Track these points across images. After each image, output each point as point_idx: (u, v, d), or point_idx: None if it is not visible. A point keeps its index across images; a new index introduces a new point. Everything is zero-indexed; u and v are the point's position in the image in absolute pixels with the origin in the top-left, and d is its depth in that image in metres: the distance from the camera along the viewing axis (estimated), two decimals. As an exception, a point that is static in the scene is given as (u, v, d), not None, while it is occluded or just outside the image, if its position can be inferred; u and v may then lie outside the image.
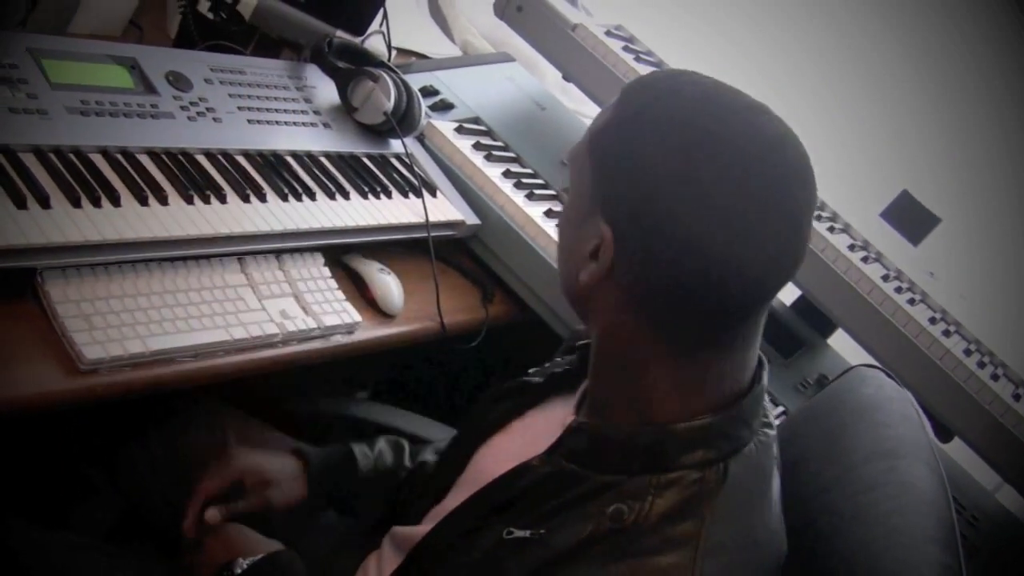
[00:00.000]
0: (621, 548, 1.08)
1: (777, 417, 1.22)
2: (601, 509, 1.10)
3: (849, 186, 2.42)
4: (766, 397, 1.17)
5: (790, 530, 1.20)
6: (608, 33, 2.21)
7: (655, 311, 1.09)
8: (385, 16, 2.29)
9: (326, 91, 1.95)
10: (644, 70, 2.15)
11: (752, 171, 1.04)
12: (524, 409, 1.35)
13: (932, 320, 2.00)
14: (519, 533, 1.14)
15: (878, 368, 1.54)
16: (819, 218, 2.09)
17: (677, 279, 1.06)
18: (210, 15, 1.94)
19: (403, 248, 1.88)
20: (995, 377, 1.98)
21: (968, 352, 1.99)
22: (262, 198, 1.62)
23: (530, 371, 1.40)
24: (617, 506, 1.10)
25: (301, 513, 1.54)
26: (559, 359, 1.40)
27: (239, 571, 1.38)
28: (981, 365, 1.97)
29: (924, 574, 1.18)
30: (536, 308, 1.97)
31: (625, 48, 2.19)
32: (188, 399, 1.68)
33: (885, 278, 2.02)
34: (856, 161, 2.58)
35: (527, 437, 1.26)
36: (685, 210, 1.04)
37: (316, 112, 1.89)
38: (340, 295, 1.69)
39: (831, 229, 2.09)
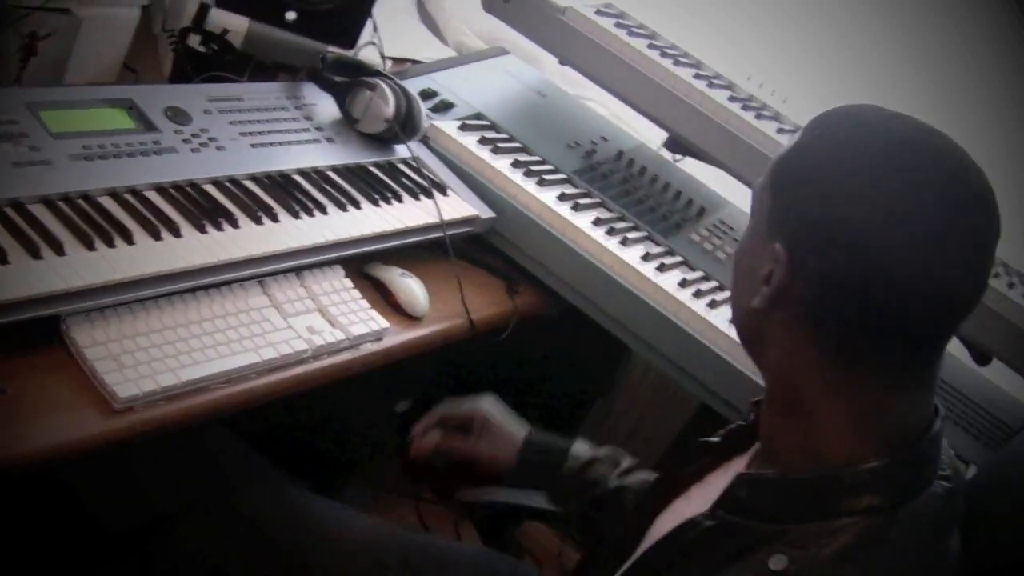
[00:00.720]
0: None
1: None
2: (763, 560, 1.06)
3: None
4: (945, 445, 1.12)
5: None
6: (598, 12, 2.21)
7: (829, 338, 1.05)
8: (375, 27, 2.30)
9: (326, 107, 1.96)
10: (639, 44, 2.15)
11: (939, 191, 1.01)
12: (705, 473, 1.31)
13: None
14: None
15: None
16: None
17: (855, 301, 1.02)
18: (202, 48, 1.95)
19: (423, 251, 1.88)
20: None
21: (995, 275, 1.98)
22: (274, 218, 1.63)
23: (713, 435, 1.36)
24: (779, 556, 1.05)
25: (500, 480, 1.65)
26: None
27: None
28: (1010, 286, 1.96)
29: None
30: (563, 293, 1.97)
31: (617, 25, 2.18)
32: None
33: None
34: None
35: (703, 498, 1.21)
36: (868, 227, 1.00)
37: (318, 128, 1.90)
38: (365, 304, 1.70)
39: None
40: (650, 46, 2.17)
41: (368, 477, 2.70)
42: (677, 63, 2.15)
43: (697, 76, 2.14)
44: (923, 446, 1.08)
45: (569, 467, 1.63)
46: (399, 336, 1.73)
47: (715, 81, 2.17)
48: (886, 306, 1.01)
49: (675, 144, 2.25)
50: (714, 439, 1.33)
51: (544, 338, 2.15)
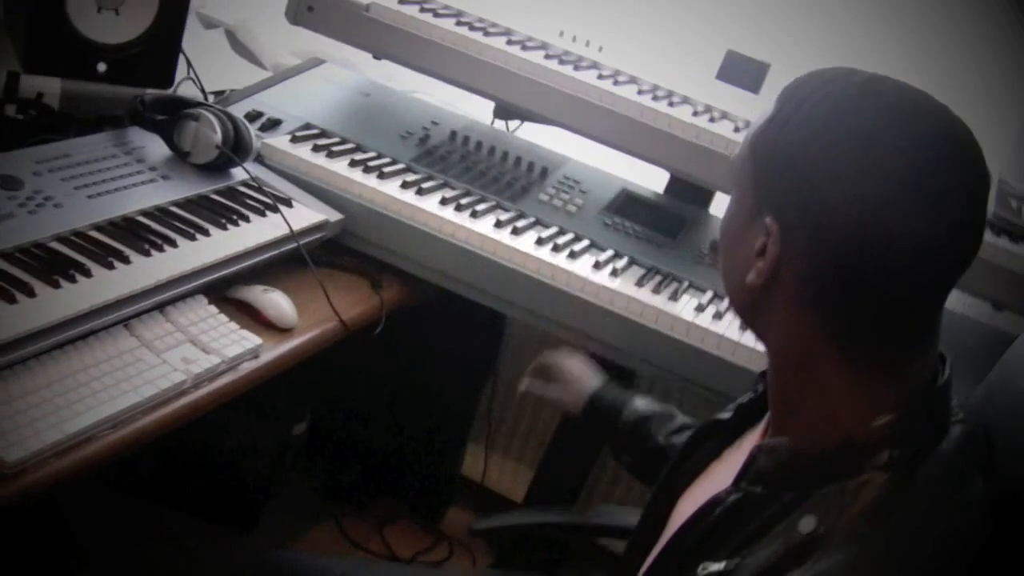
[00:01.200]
0: (814, 561, 1.02)
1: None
2: (792, 525, 1.06)
3: (681, 62, 2.49)
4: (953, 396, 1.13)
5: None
6: (401, 2, 2.25)
7: (830, 304, 1.05)
8: (189, 64, 2.32)
9: (155, 147, 1.97)
10: (446, 24, 2.20)
11: (928, 152, 1.01)
12: (721, 450, 1.32)
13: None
14: (714, 567, 1.11)
15: None
16: (655, 97, 2.15)
17: (851, 263, 1.02)
18: (20, 116, 1.95)
19: (282, 265, 1.90)
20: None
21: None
22: (126, 261, 1.64)
23: (723, 411, 1.37)
24: (807, 518, 1.05)
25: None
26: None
27: None
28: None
29: None
30: (427, 277, 2.01)
31: (422, 10, 2.23)
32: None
33: (736, 130, 2.09)
34: (681, 37, 2.64)
35: (723, 475, 1.22)
36: (860, 185, 1.00)
37: (152, 168, 1.91)
38: (234, 326, 1.71)
39: (671, 104, 2.15)
40: (458, 23, 2.22)
41: (282, 505, 2.72)
42: (487, 34, 2.21)
43: (509, 42, 2.20)
44: (934, 395, 1.09)
45: (624, 421, 1.75)
46: (275, 350, 1.75)
47: (527, 44, 2.23)
48: (880, 264, 1.01)
49: (503, 111, 2.30)
50: (725, 416, 1.35)
51: (426, 327, 2.19)
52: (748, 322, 1.17)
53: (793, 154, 1.05)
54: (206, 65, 2.45)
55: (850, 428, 1.07)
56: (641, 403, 1.77)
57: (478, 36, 2.18)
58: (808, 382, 1.10)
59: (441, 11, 2.26)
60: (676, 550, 1.21)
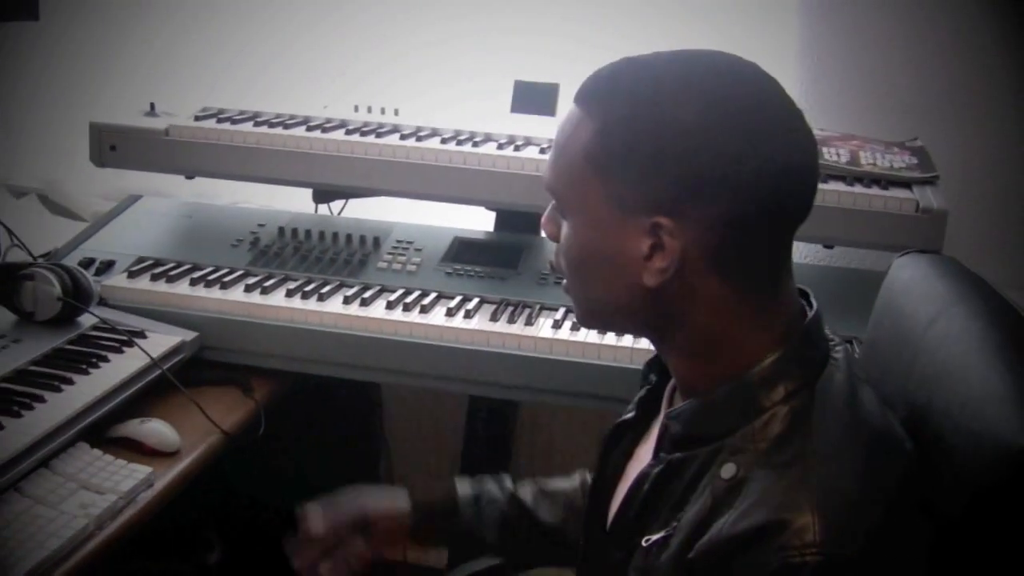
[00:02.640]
0: (740, 496, 1.07)
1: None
2: (714, 475, 1.11)
3: (475, 102, 2.59)
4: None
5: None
6: (197, 118, 2.31)
7: (727, 262, 1.11)
8: (10, 232, 2.34)
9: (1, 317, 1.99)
10: (246, 127, 2.28)
11: (761, 94, 1.11)
12: (633, 448, 1.36)
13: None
14: (655, 537, 1.16)
15: (910, 251, 1.56)
16: (459, 142, 2.26)
17: (736, 216, 1.08)
18: None
19: (151, 395, 1.93)
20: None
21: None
22: (-1, 427, 1.66)
23: (625, 412, 1.40)
24: (726, 465, 1.10)
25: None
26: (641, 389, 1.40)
27: None
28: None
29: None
30: (293, 368, 2.07)
31: (218, 120, 2.30)
32: None
33: (542, 151, 2.22)
34: (469, 81, 2.73)
35: (641, 466, 1.26)
36: (725, 145, 1.07)
37: (1, 336, 1.93)
38: (122, 462, 1.73)
39: (475, 144, 2.27)
40: (255, 124, 2.29)
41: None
42: (286, 126, 2.28)
43: (309, 128, 2.28)
44: (812, 325, 1.17)
45: (465, 514, 1.62)
46: (167, 474, 1.78)
47: (326, 126, 2.31)
48: (763, 211, 1.09)
49: (321, 195, 2.38)
50: (629, 416, 1.39)
51: (306, 417, 2.24)
52: (632, 322, 1.20)
53: (657, 146, 1.08)
54: (28, 232, 2.48)
55: (747, 372, 1.14)
56: (463, 486, 1.65)
57: (278, 131, 2.26)
58: (716, 342, 1.15)
59: (237, 117, 2.33)
60: (617, 533, 1.26)
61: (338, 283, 2.17)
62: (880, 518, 1.05)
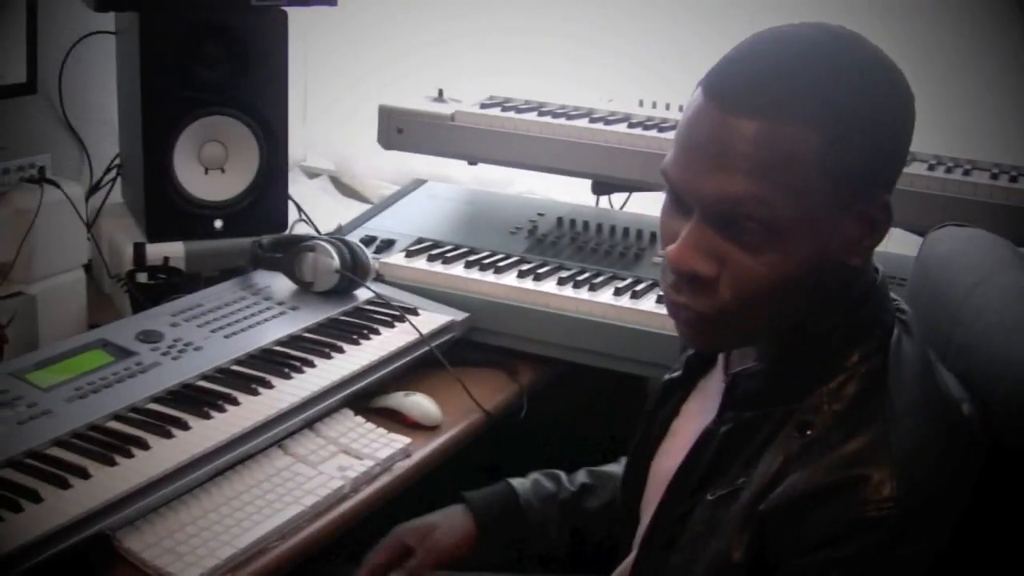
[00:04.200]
0: (815, 454, 1.10)
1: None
2: (788, 435, 1.13)
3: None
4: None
5: None
6: (483, 106, 2.34)
7: (873, 231, 1.14)
8: (299, 207, 2.43)
9: (279, 284, 2.06)
10: (530, 116, 2.28)
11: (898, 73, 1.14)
12: (677, 407, 1.37)
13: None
14: (722, 491, 1.18)
15: (945, 225, 1.58)
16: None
17: (891, 182, 1.15)
18: (151, 281, 2.07)
19: (418, 371, 1.96)
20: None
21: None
22: (269, 386, 1.71)
23: (672, 371, 1.42)
24: (801, 423, 1.13)
25: (480, 556, 1.61)
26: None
27: None
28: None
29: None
30: (558, 355, 2.05)
31: (503, 109, 2.31)
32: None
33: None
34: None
35: (693, 423, 1.29)
36: (909, 127, 1.14)
37: (280, 303, 2.00)
38: (382, 431, 1.77)
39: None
40: (540, 113, 2.29)
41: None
42: (570, 118, 2.28)
43: (592, 120, 2.27)
44: (882, 288, 1.19)
45: (525, 500, 1.62)
46: (425, 447, 1.80)
47: (609, 119, 2.29)
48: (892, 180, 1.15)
49: (600, 187, 2.36)
50: (676, 374, 1.39)
51: (566, 406, 2.22)
52: (785, 322, 1.17)
53: (878, 139, 1.10)
54: (318, 212, 2.57)
55: (824, 334, 1.15)
56: (517, 480, 1.65)
57: (561, 121, 2.26)
58: (812, 308, 1.15)
59: (522, 106, 2.34)
60: (679, 490, 1.25)
61: (611, 275, 2.13)
62: (953, 479, 1.10)
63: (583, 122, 2.26)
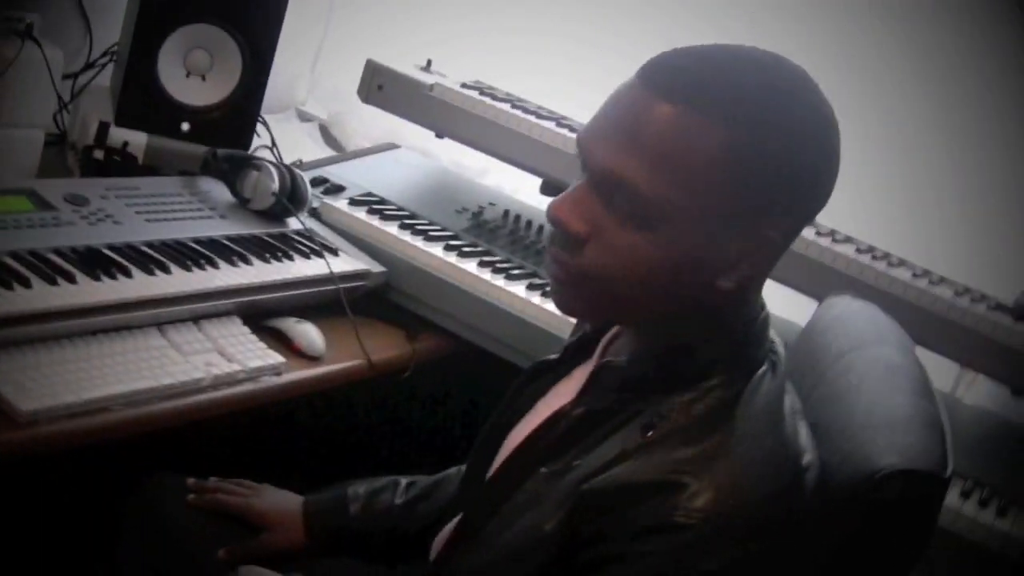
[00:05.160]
0: (648, 453, 1.14)
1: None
2: (630, 432, 1.17)
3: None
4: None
5: None
6: (464, 86, 2.43)
7: (771, 267, 1.20)
8: (271, 134, 2.52)
9: (219, 193, 2.15)
10: (503, 107, 2.37)
11: (827, 110, 1.15)
12: (548, 388, 1.40)
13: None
14: (555, 467, 1.22)
15: (844, 294, 1.68)
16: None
17: (798, 225, 1.18)
18: (104, 159, 2.16)
19: (321, 310, 2.03)
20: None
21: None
22: (166, 271, 1.80)
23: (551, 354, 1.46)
24: (643, 426, 1.16)
25: (308, 557, 1.67)
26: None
27: None
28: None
29: (901, 415, 1.30)
30: (460, 332, 2.12)
31: (481, 94, 2.40)
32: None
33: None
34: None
35: (554, 404, 1.31)
36: (831, 167, 1.15)
37: (212, 209, 2.09)
38: (262, 345, 1.84)
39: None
40: (513, 106, 2.38)
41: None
42: (540, 117, 2.36)
43: (559, 125, 2.35)
44: (761, 325, 1.23)
45: (354, 511, 1.67)
46: (299, 373, 1.87)
47: (575, 127, 2.38)
48: (807, 218, 1.19)
49: (549, 188, 2.43)
50: (553, 357, 1.44)
51: (455, 382, 2.29)
52: (647, 312, 1.20)
53: (783, 159, 1.11)
54: (295, 152, 2.65)
55: (694, 349, 1.19)
56: (358, 486, 1.70)
57: (532, 118, 2.34)
58: (694, 324, 1.20)
59: (499, 96, 2.43)
60: (519, 461, 1.30)
61: (532, 272, 2.21)
62: (768, 516, 1.12)
63: (547, 123, 2.34)
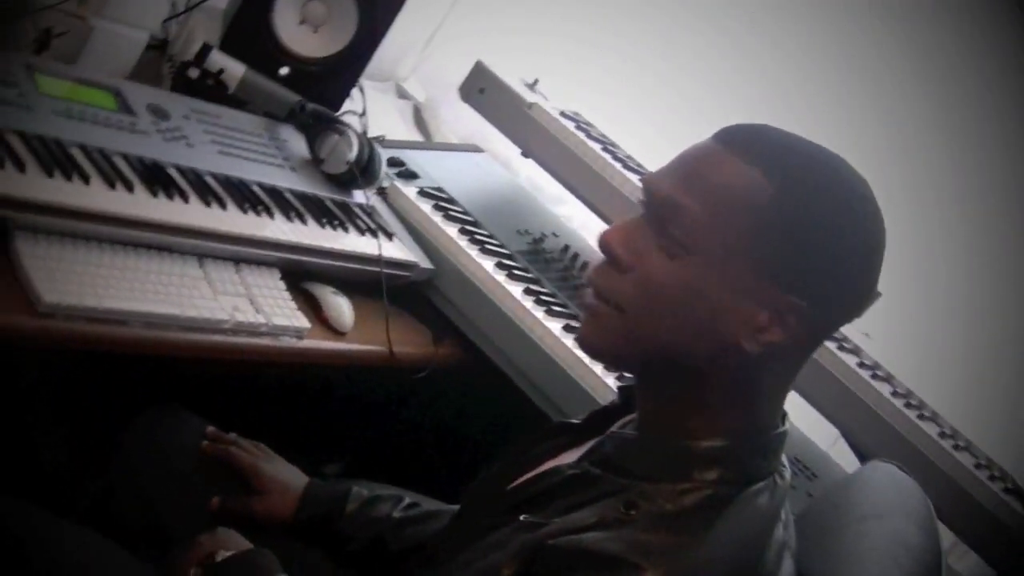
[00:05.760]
0: (619, 530, 1.14)
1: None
2: (613, 504, 1.16)
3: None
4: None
5: None
6: (562, 114, 2.42)
7: (802, 358, 1.21)
8: (364, 106, 2.52)
9: (297, 146, 2.15)
10: (595, 146, 2.35)
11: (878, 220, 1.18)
12: (560, 452, 1.39)
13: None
14: (534, 518, 1.21)
15: (890, 462, 1.69)
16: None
17: (838, 325, 1.22)
18: (196, 79, 2.16)
19: (360, 288, 2.03)
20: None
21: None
22: (223, 206, 1.80)
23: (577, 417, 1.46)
24: (628, 502, 1.16)
25: (281, 533, 1.66)
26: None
27: (218, 559, 1.47)
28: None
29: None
30: (486, 349, 2.11)
31: (577, 127, 2.39)
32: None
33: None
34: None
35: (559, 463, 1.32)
36: (872, 268, 1.17)
37: (286, 159, 2.09)
38: (292, 304, 1.84)
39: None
40: (604, 149, 2.37)
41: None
42: (627, 167, 2.35)
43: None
44: (771, 438, 1.21)
45: (351, 508, 1.67)
46: (319, 342, 1.87)
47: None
48: (837, 324, 1.22)
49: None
50: (575, 420, 1.44)
51: (464, 392, 2.28)
52: (668, 369, 1.20)
53: (825, 236, 1.13)
54: (382, 127, 2.66)
55: (697, 440, 1.19)
56: (359, 490, 1.69)
57: (618, 166, 2.33)
58: (707, 408, 1.19)
59: (595, 134, 2.42)
60: (502, 503, 1.30)
61: (573, 314, 2.20)
62: None
63: (631, 175, 2.33)
